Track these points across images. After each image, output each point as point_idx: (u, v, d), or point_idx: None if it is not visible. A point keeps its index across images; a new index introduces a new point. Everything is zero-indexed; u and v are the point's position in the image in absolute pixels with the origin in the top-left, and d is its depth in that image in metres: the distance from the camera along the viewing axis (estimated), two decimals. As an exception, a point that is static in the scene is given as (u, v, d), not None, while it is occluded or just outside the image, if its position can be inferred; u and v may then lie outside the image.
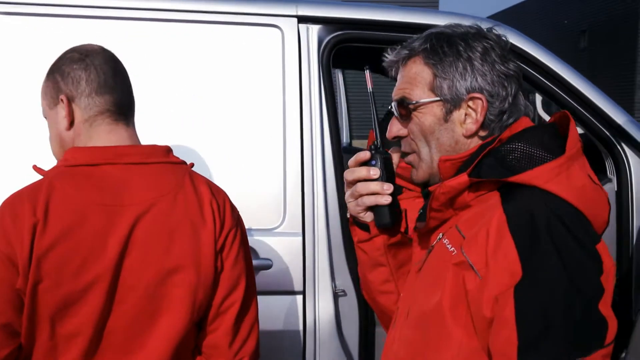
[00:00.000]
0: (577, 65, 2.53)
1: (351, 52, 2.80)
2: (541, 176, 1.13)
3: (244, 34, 2.29)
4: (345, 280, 2.33)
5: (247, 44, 2.29)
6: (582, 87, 2.43)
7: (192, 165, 1.59)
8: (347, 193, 1.42)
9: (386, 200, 1.35)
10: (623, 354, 2.41)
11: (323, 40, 2.35)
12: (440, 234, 1.26)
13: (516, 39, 2.41)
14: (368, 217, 1.41)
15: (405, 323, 1.29)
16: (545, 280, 1.04)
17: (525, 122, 1.27)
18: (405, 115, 1.31)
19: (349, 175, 1.39)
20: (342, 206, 2.32)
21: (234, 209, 1.56)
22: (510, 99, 1.25)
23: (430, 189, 1.25)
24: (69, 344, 1.38)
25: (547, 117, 3.50)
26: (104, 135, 1.46)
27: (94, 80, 1.45)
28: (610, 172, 2.60)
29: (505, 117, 1.26)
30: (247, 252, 1.57)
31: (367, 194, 1.36)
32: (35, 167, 1.48)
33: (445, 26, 1.31)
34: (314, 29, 2.35)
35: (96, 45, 1.52)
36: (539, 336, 1.02)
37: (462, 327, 1.14)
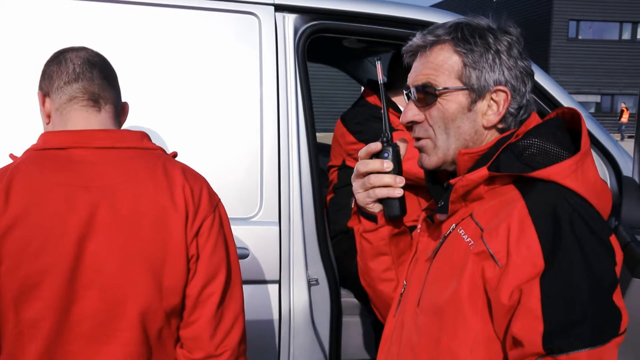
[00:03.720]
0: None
1: (312, 45, 2.81)
2: (562, 172, 1.17)
3: (221, 21, 2.25)
4: (317, 269, 2.34)
5: (224, 31, 2.25)
6: (543, 81, 2.52)
7: (174, 154, 1.57)
8: (357, 184, 1.42)
9: (399, 193, 1.36)
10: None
11: (299, 29, 2.35)
12: (453, 225, 1.29)
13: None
14: (376, 208, 1.42)
15: (418, 310, 1.31)
16: (569, 271, 1.08)
17: (536, 118, 1.32)
18: (425, 100, 1.30)
19: (362, 167, 1.39)
20: (316, 195, 2.33)
21: (212, 195, 1.52)
22: (527, 95, 1.29)
23: (451, 181, 1.27)
24: (34, 330, 1.35)
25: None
26: (76, 120, 1.46)
27: (64, 71, 1.47)
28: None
29: (522, 112, 1.29)
30: (229, 240, 1.54)
31: (380, 186, 1.37)
32: (10, 155, 1.48)
33: (468, 18, 1.32)
34: (291, 18, 2.34)
35: (81, 46, 1.54)
36: (564, 325, 1.06)
37: (479, 315, 1.17)
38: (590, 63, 31.36)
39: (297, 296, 2.28)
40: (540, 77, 2.53)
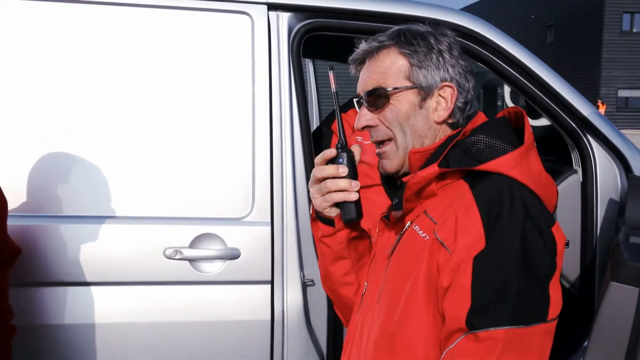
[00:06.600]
0: (543, 59, 2.57)
1: (322, 42, 2.78)
2: (507, 164, 1.23)
3: (214, 21, 2.25)
4: (314, 270, 2.32)
5: (216, 32, 2.25)
6: (550, 79, 2.44)
7: None
8: (314, 189, 1.46)
9: (354, 196, 1.40)
10: (585, 342, 2.45)
11: (293, 28, 2.33)
12: (409, 222, 1.34)
13: (489, 32, 2.41)
14: (333, 212, 1.46)
15: (377, 307, 1.35)
16: (502, 252, 1.13)
17: (482, 117, 1.39)
18: (377, 103, 1.36)
19: (318, 172, 1.43)
20: (311, 196, 2.31)
21: None
22: (471, 91, 1.36)
23: (404, 179, 1.32)
24: None
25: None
26: None
27: None
28: (576, 163, 2.63)
29: (468, 107, 1.36)
30: None
31: (336, 191, 1.41)
32: None
33: (408, 25, 1.40)
34: (284, 17, 2.32)
35: None
36: (488, 302, 1.11)
37: (433, 307, 1.21)
38: (645, 57, 30.30)
39: (291, 297, 2.26)
40: (552, 79, 2.44)
